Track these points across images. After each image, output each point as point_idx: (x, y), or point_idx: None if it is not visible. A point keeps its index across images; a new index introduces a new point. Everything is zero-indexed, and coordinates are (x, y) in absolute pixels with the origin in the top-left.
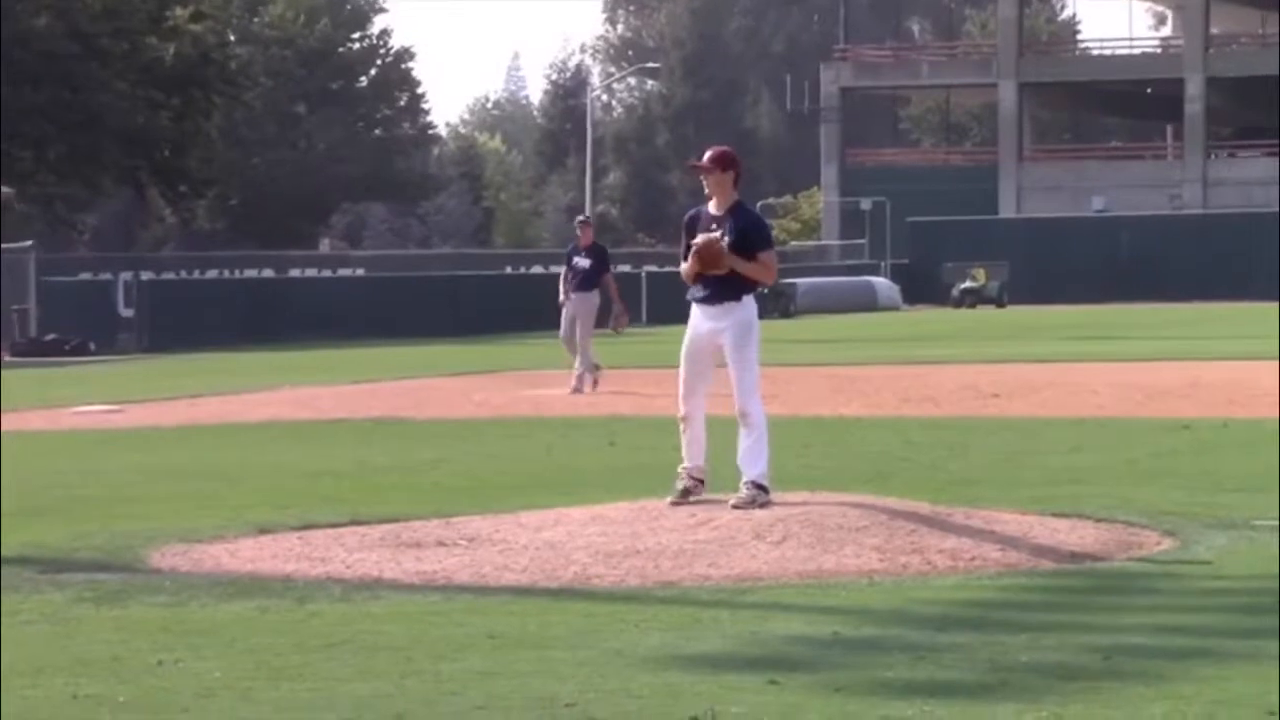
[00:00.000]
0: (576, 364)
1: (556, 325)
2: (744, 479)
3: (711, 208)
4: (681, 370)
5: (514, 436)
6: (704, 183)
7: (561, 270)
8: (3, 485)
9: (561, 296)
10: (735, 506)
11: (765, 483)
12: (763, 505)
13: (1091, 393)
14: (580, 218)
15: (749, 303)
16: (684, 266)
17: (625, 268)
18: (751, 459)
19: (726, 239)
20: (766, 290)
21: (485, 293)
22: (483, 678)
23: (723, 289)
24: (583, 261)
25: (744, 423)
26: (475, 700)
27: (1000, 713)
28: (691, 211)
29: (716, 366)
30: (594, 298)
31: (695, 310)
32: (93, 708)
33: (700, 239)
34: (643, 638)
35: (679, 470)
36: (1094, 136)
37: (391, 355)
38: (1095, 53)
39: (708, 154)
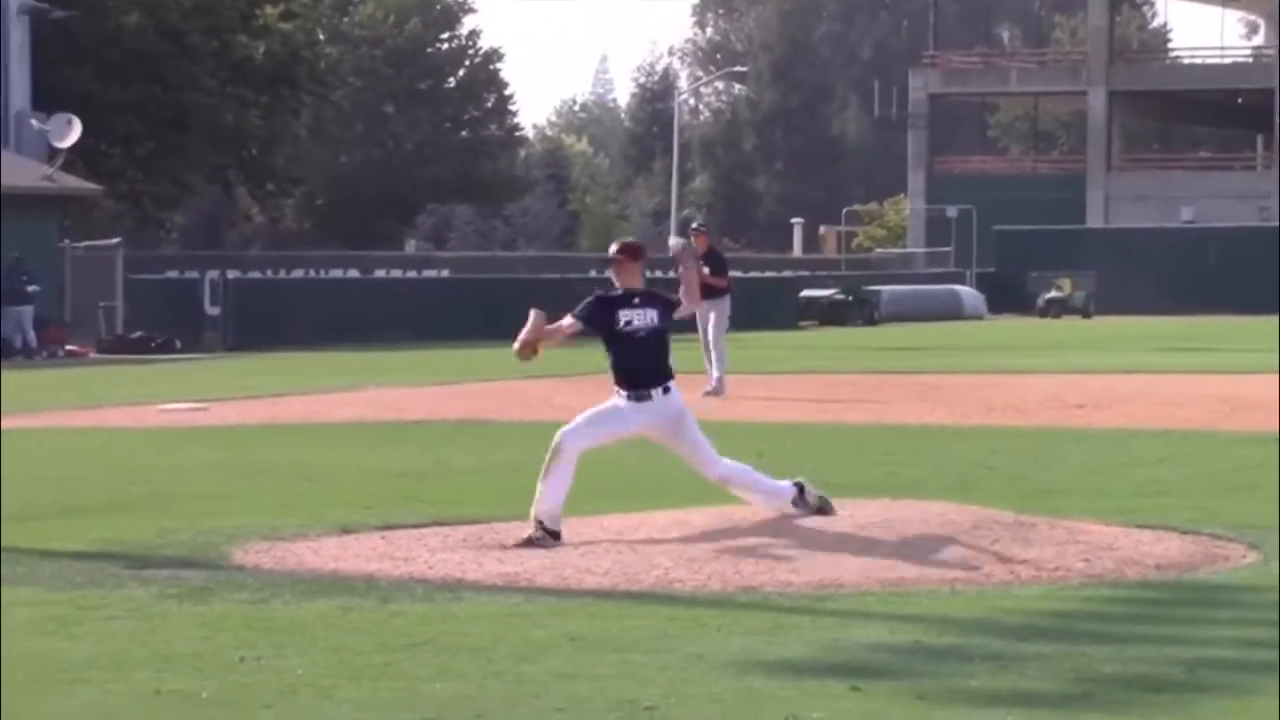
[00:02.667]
0: (714, 368)
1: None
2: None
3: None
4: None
5: None
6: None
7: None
8: (89, 481)
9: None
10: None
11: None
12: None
13: (1177, 405)
14: (695, 224)
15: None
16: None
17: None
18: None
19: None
20: (852, 298)
21: (570, 295)
22: (564, 680)
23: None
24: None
25: None
26: (556, 702)
27: None
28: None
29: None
30: (723, 303)
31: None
32: (176, 703)
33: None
34: (724, 642)
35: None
36: (1183, 146)
37: (475, 357)
38: (1186, 61)
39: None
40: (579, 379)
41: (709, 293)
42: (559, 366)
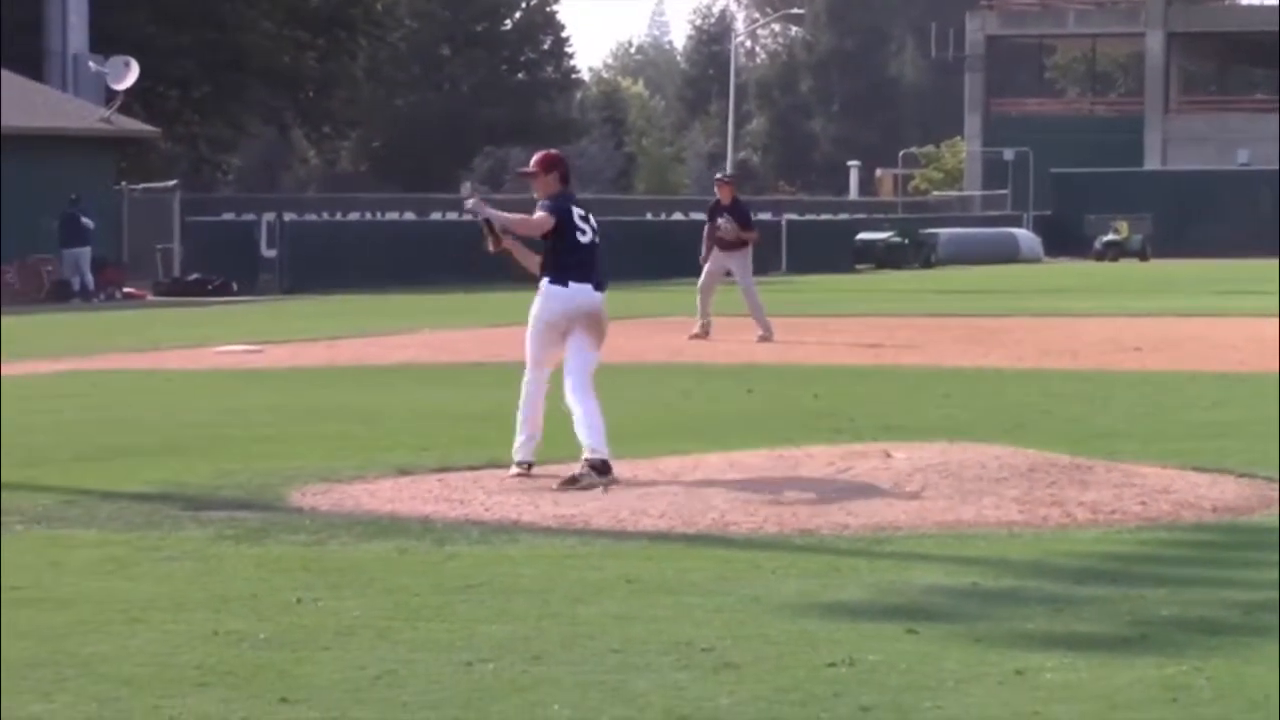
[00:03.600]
0: (751, 315)
1: (695, 273)
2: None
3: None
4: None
5: (651, 382)
6: (533, 186)
7: (705, 229)
8: (146, 423)
9: (703, 256)
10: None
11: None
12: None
13: (1233, 348)
14: (719, 174)
15: (544, 286)
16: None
17: (765, 215)
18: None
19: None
20: (908, 241)
21: (626, 238)
22: (619, 622)
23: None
24: (727, 224)
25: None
26: (612, 644)
27: (1141, 666)
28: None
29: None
30: (745, 255)
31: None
32: (233, 643)
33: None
34: (780, 585)
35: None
36: (1241, 89)
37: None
38: (1244, 2)
39: (534, 158)
40: (635, 321)
41: (730, 245)
42: (617, 308)
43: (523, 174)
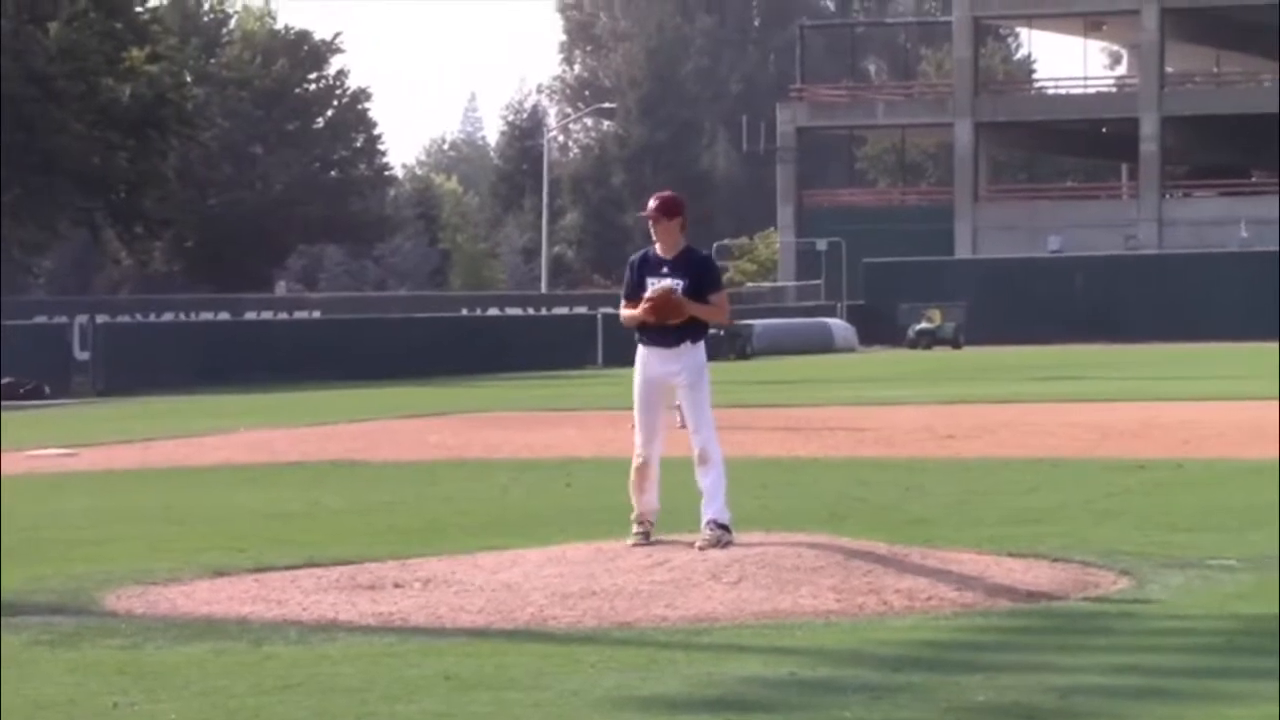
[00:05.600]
0: None
1: (513, 368)
2: (705, 519)
3: (658, 250)
4: (637, 415)
5: (470, 478)
6: (651, 229)
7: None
8: None
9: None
10: (701, 548)
11: (726, 522)
12: (725, 545)
13: (1047, 433)
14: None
15: (701, 344)
16: (625, 311)
17: (581, 309)
18: (710, 499)
19: (678, 285)
20: (722, 331)
21: (441, 334)
22: (439, 719)
23: (678, 331)
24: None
25: (702, 462)
26: None
27: None
28: (639, 254)
29: (669, 408)
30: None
31: (645, 353)
32: None
33: (655, 289)
34: (599, 679)
35: (633, 518)
36: (1050, 176)
37: (347, 397)
38: (1051, 92)
39: (653, 201)
40: (452, 417)
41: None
42: (435, 404)
43: (644, 217)
